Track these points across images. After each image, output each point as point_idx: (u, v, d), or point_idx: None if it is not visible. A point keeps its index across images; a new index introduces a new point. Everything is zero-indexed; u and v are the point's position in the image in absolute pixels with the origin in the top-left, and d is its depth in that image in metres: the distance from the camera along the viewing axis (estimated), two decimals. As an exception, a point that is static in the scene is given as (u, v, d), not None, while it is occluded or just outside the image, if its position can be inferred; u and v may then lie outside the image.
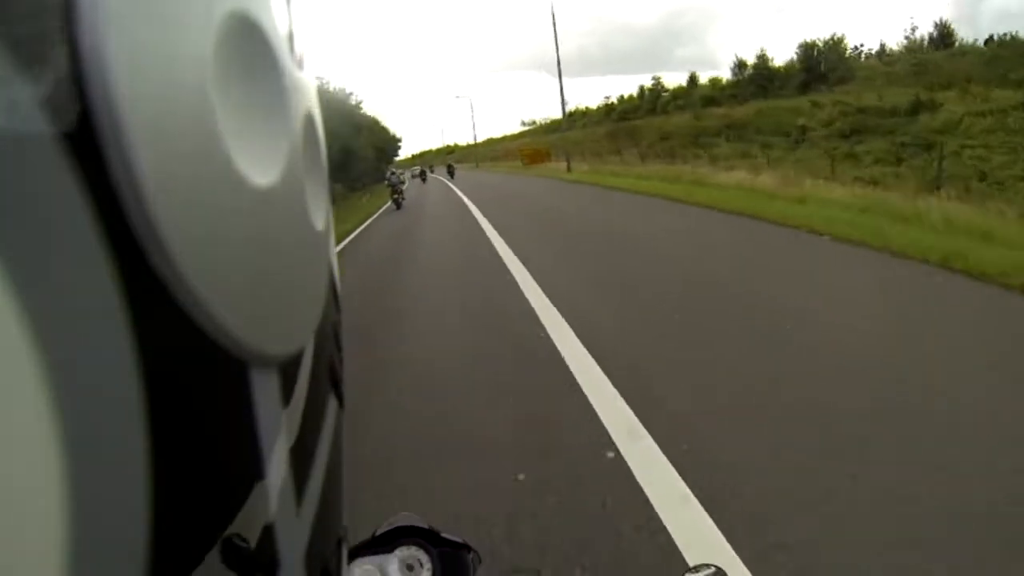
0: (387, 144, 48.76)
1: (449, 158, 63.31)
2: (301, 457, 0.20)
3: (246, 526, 0.17)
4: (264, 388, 0.17)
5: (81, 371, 0.11)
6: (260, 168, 0.17)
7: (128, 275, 0.12)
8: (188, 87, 0.14)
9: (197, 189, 0.14)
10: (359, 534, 0.38)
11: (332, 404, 0.24)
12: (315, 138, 0.22)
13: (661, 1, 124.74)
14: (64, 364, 0.11)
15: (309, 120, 0.21)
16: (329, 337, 0.24)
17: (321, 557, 0.22)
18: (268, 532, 0.18)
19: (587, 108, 58.11)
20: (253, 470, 0.17)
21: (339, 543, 0.26)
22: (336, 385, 0.25)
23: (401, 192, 14.61)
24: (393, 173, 15.99)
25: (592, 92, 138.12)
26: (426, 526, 0.39)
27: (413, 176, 34.89)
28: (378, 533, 0.39)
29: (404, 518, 0.40)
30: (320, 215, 0.22)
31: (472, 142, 75.22)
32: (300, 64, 0.21)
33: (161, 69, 0.13)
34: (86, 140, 0.12)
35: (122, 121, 0.12)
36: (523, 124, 71.25)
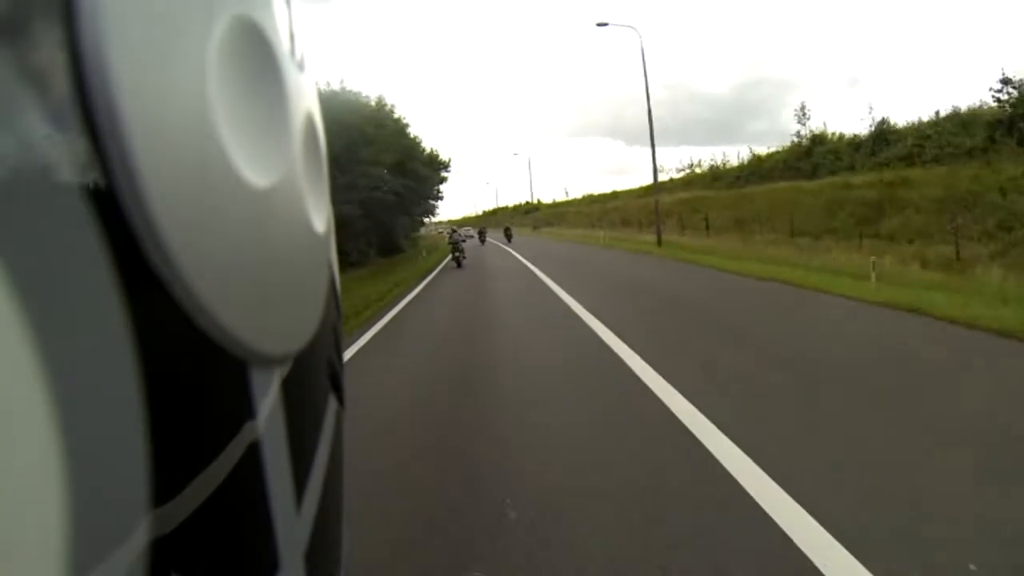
0: (428, 166, 21.68)
1: (529, 219, 50.07)
2: (301, 457, 0.20)
3: (246, 525, 0.17)
4: (264, 388, 0.17)
5: (81, 371, 0.11)
6: (260, 170, 0.17)
7: (128, 275, 0.12)
8: (189, 90, 0.14)
9: (197, 190, 0.14)
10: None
11: (332, 404, 0.25)
12: (315, 141, 0.22)
13: (733, 72, 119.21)
14: (64, 364, 0.11)
15: (309, 123, 0.21)
16: (329, 337, 0.24)
17: (321, 557, 0.22)
18: (268, 531, 0.18)
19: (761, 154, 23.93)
20: (253, 470, 0.17)
21: (338, 544, 0.26)
22: (336, 385, 0.26)
23: (462, 251, 14.00)
24: (455, 231, 15.87)
25: (666, 162, 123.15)
26: None
27: (468, 236, 31.50)
28: None
29: None
30: (320, 217, 0.22)
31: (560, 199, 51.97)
32: (301, 66, 0.21)
33: (162, 73, 0.13)
34: (87, 142, 0.12)
35: (123, 123, 0.12)
36: (681, 169, 33.71)
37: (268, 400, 0.18)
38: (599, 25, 18.17)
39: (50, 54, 0.11)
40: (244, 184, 0.16)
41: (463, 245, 13.91)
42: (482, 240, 26.59)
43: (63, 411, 0.11)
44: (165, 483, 0.13)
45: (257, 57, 0.17)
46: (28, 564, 0.10)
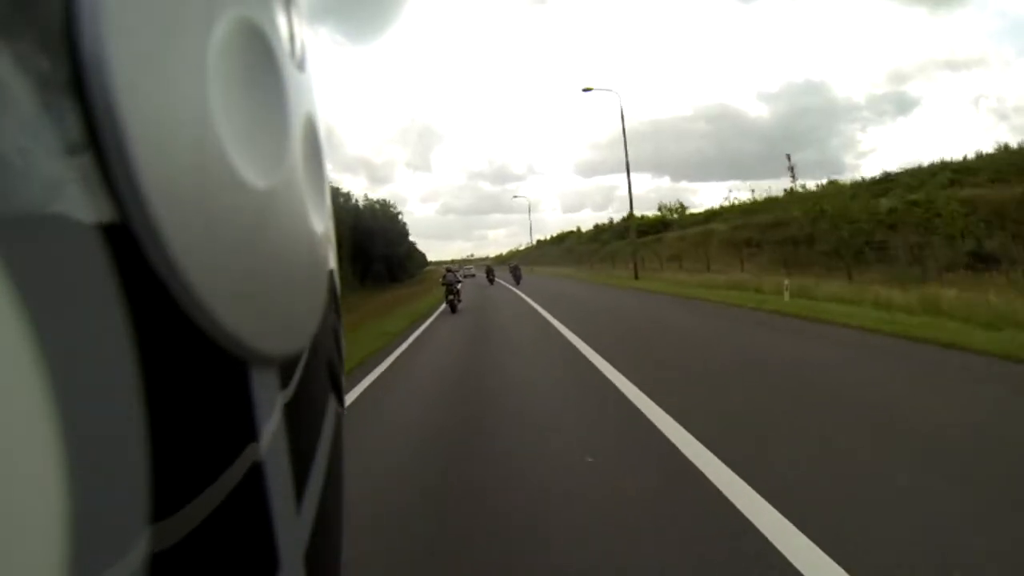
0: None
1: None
2: (301, 457, 0.20)
3: (246, 525, 0.17)
4: (264, 388, 0.17)
5: (81, 371, 0.11)
6: (259, 170, 0.17)
7: (127, 275, 0.12)
8: (188, 91, 0.14)
9: (197, 191, 0.14)
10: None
11: (332, 404, 0.25)
12: (315, 141, 0.22)
13: (779, 103, 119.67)
14: (64, 364, 0.11)
15: (309, 123, 0.21)
16: (329, 337, 0.24)
17: (321, 557, 0.22)
18: (268, 531, 0.18)
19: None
20: (253, 470, 0.17)
21: (338, 544, 0.26)
22: (336, 385, 0.26)
23: (457, 293, 12.28)
24: (450, 271, 13.47)
25: (710, 198, 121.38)
26: None
27: (469, 275, 30.14)
28: None
29: None
30: (320, 218, 0.22)
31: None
32: (301, 66, 0.21)
33: (162, 73, 0.13)
34: (88, 143, 0.12)
35: (123, 124, 0.12)
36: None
37: (268, 400, 0.18)
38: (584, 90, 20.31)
39: (49, 54, 0.11)
40: (244, 185, 0.16)
41: (458, 287, 12.41)
42: (490, 280, 25.17)
43: (64, 410, 0.11)
44: (164, 482, 0.13)
45: (257, 57, 0.17)
46: (30, 556, 0.10)
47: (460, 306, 12.31)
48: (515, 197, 64.73)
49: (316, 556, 0.21)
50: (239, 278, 0.16)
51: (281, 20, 0.19)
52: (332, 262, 0.24)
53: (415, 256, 52.61)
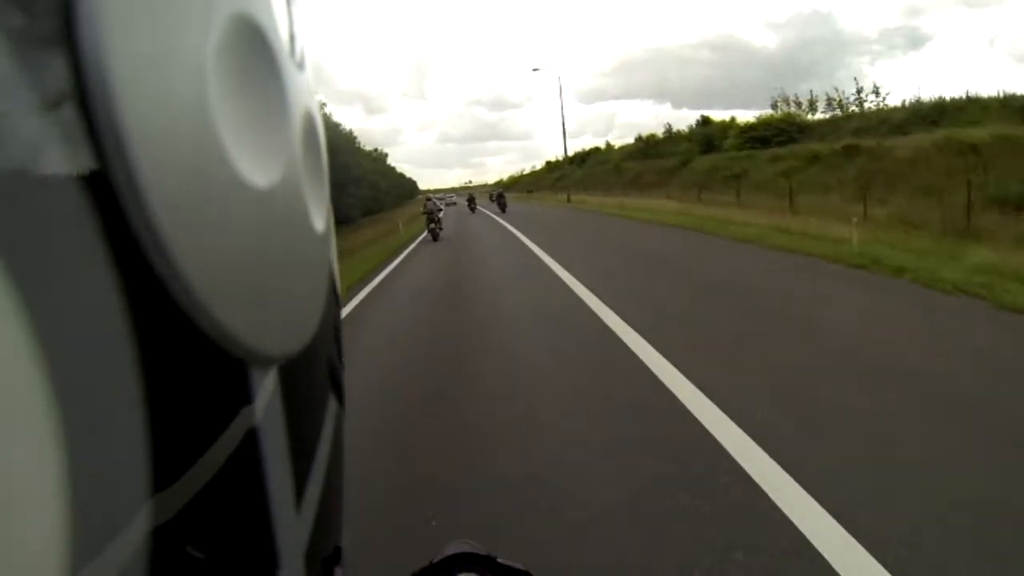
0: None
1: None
2: (301, 457, 0.20)
3: (246, 525, 0.17)
4: (264, 388, 0.17)
5: (81, 371, 0.11)
6: (260, 169, 0.17)
7: (128, 275, 0.12)
8: (188, 89, 0.14)
9: (197, 190, 0.14)
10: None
11: (332, 404, 0.25)
12: (315, 139, 0.22)
13: (785, 31, 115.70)
14: (64, 364, 0.11)
15: (309, 121, 0.21)
16: (329, 337, 0.24)
17: (321, 557, 0.22)
18: (268, 531, 0.18)
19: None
20: (253, 470, 0.17)
21: (338, 543, 0.26)
22: (336, 385, 0.26)
23: (439, 222, 12.65)
24: (429, 199, 13.79)
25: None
26: (484, 552, 0.38)
27: (451, 203, 31.12)
28: (435, 561, 0.38)
29: (460, 546, 0.39)
30: (320, 216, 0.22)
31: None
32: (300, 65, 0.21)
33: (161, 72, 0.13)
34: (86, 141, 0.12)
35: (122, 123, 0.12)
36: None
37: (267, 401, 0.17)
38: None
39: (49, 54, 0.11)
40: (244, 184, 0.16)
41: (439, 216, 12.83)
42: (472, 209, 25.79)
43: (62, 410, 0.11)
44: (162, 483, 0.13)
45: (257, 56, 0.17)
46: (28, 556, 0.10)
47: (442, 234, 12.66)
48: (535, 71, 54.32)
49: (316, 556, 0.21)
50: (239, 278, 0.16)
51: (281, 19, 0.19)
52: (333, 260, 0.25)
53: (371, 180, 32.18)
